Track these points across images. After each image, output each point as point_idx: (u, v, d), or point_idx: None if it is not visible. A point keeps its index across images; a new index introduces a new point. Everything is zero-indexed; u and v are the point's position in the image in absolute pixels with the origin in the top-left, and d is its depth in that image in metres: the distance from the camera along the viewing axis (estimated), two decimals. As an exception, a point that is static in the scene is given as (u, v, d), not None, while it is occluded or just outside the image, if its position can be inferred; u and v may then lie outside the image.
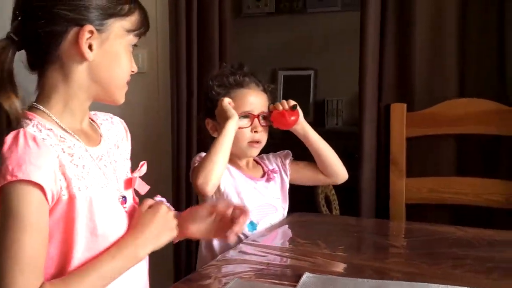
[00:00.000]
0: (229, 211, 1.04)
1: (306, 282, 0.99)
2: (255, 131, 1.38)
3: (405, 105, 1.83)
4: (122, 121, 1.08)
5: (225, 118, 1.31)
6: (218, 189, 1.34)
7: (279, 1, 3.69)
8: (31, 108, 0.88)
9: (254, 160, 1.50)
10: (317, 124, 3.51)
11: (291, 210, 1.61)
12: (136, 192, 1.02)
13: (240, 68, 1.42)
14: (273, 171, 1.49)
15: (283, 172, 1.54)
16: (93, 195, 0.86)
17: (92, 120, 1.00)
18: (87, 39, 0.86)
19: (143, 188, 1.02)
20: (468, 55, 1.80)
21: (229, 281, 1.00)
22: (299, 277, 1.01)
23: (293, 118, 1.46)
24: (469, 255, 1.19)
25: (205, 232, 1.07)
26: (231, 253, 1.20)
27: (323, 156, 1.58)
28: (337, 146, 3.24)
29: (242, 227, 1.02)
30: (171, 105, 2.10)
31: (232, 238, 1.01)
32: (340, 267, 1.12)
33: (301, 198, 3.34)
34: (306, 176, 1.58)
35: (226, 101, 1.34)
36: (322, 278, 1.01)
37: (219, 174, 1.29)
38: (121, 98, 0.96)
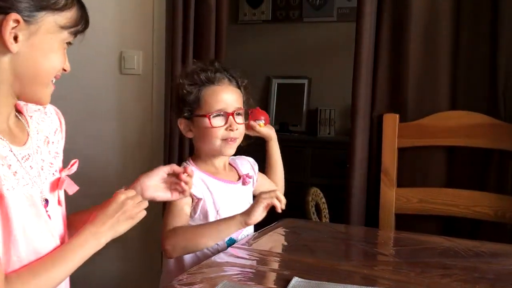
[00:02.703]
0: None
1: (295, 286, 1.00)
2: (230, 129, 1.31)
3: (397, 116, 1.85)
4: (57, 110, 1.02)
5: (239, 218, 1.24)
6: (194, 199, 1.30)
7: (276, 9, 3.72)
8: None
9: (229, 163, 1.45)
10: (310, 133, 3.54)
11: (282, 216, 1.61)
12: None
13: (212, 64, 1.36)
14: (247, 176, 1.44)
15: (254, 180, 1.49)
16: (12, 197, 0.81)
17: (21, 113, 0.93)
18: (12, 28, 0.80)
19: (72, 188, 0.99)
20: (460, 68, 1.83)
21: (217, 284, 1.00)
22: (287, 281, 1.02)
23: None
24: (457, 265, 1.20)
25: (162, 191, 1.11)
26: (221, 256, 1.20)
27: (280, 170, 1.66)
28: (328, 155, 3.30)
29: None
30: (165, 107, 2.10)
31: (187, 193, 1.13)
32: (329, 273, 1.12)
33: (291, 205, 3.35)
34: (263, 188, 1.49)
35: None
36: (311, 283, 1.01)
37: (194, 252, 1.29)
38: (45, 98, 0.90)
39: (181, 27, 2.00)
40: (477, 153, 1.80)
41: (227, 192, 1.36)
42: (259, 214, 1.23)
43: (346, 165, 3.07)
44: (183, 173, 1.11)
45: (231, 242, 1.32)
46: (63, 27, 0.86)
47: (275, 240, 1.43)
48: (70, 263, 0.88)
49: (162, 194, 1.11)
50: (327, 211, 2.10)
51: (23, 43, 0.82)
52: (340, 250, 1.43)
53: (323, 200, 2.11)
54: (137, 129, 2.14)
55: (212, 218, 1.31)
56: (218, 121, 1.30)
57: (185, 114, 1.33)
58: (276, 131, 3.67)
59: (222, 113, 1.31)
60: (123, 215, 0.95)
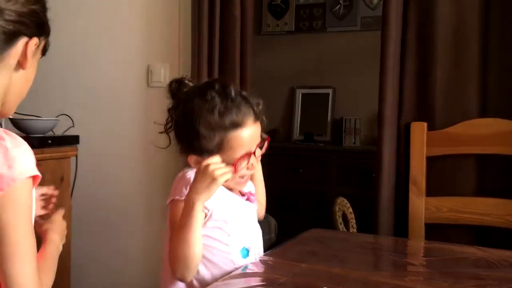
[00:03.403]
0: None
1: (325, 297, 0.99)
2: (250, 168, 1.19)
3: (425, 124, 1.83)
4: None
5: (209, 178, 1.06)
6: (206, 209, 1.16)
7: (299, 20, 3.73)
8: None
9: None
10: (335, 143, 3.53)
11: (308, 226, 1.60)
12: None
13: (231, 97, 1.15)
14: (250, 193, 1.31)
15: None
16: None
17: None
18: (32, 50, 0.89)
19: None
20: (489, 75, 1.80)
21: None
22: (317, 292, 1.01)
23: None
24: (491, 275, 1.17)
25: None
26: (249, 266, 1.19)
27: (262, 187, 1.45)
28: (354, 164, 3.27)
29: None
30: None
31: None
32: (360, 283, 1.11)
33: (317, 215, 3.34)
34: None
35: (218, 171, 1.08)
36: (341, 294, 1.01)
37: (198, 262, 1.13)
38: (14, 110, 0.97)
39: (206, 39, 2.02)
40: (508, 161, 1.77)
41: (235, 204, 1.25)
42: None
43: (372, 175, 3.05)
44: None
45: (246, 253, 1.25)
46: (44, 48, 0.97)
47: (302, 250, 1.42)
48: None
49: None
50: (354, 221, 2.08)
51: (30, 62, 0.90)
52: (370, 260, 1.42)
53: (350, 210, 2.09)
54: (164, 141, 2.17)
55: (222, 230, 1.19)
56: (242, 165, 1.16)
57: (196, 152, 1.16)
58: (301, 141, 3.72)
59: (246, 155, 1.16)
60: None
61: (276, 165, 3.53)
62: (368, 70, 3.31)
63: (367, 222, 1.91)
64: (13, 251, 0.82)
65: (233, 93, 1.15)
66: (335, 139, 3.55)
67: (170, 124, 1.23)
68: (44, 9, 0.94)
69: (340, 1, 3.58)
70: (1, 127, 2.06)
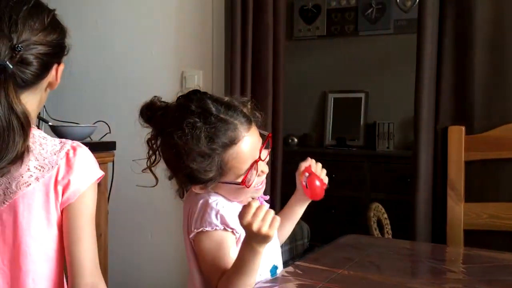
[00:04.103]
0: None
1: (363, 303, 0.98)
2: (262, 174, 1.08)
3: (463, 128, 1.79)
4: None
5: (259, 237, 0.95)
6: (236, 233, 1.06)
7: (331, 24, 3.72)
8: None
9: None
10: (368, 147, 3.49)
11: (343, 232, 1.59)
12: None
13: (212, 112, 1.01)
14: (264, 198, 1.19)
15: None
16: None
17: None
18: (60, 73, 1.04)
19: None
20: (530, 77, 1.75)
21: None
22: (355, 298, 1.00)
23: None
24: (534, 284, 1.14)
25: None
26: (284, 273, 1.19)
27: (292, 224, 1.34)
28: (388, 169, 3.23)
29: None
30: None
31: None
32: (397, 290, 1.09)
33: (350, 220, 3.31)
34: None
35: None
36: (380, 301, 0.99)
37: None
38: None
39: (239, 45, 2.04)
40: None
41: None
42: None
43: (406, 180, 3.00)
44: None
45: (274, 271, 1.18)
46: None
47: (338, 256, 1.41)
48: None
49: None
50: (389, 226, 2.05)
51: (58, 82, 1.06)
52: (407, 267, 1.39)
53: (385, 215, 2.06)
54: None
55: None
56: (252, 176, 1.04)
57: (197, 183, 1.05)
58: (333, 146, 3.69)
59: (252, 165, 1.04)
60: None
61: (308, 170, 3.50)
62: (402, 73, 3.27)
63: (402, 228, 1.88)
64: (81, 237, 0.97)
65: (213, 109, 1.01)
66: (368, 143, 3.51)
67: (153, 158, 1.10)
68: (65, 36, 1.04)
69: (373, 5, 3.55)
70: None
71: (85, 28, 2.43)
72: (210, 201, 1.05)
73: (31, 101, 0.98)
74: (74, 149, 0.98)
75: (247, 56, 2.04)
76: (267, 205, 1.09)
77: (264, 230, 0.93)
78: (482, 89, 1.79)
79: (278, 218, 0.96)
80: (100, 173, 1.02)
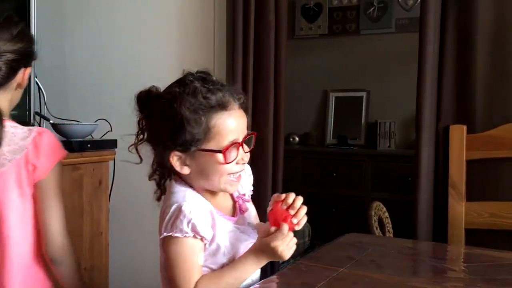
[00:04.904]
0: None
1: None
2: (242, 163, 1.08)
3: (464, 127, 1.79)
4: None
5: (276, 257, 1.04)
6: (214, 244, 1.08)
7: (332, 23, 3.72)
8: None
9: None
10: (369, 146, 3.49)
11: (344, 231, 1.59)
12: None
13: (213, 80, 1.06)
14: (243, 198, 1.17)
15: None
16: None
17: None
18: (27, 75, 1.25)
19: None
20: (532, 76, 1.75)
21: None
22: (357, 297, 1.00)
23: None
24: (535, 283, 1.14)
25: None
26: (285, 272, 1.19)
27: None
28: (389, 168, 3.23)
29: None
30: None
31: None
32: (398, 289, 1.09)
33: (351, 219, 3.31)
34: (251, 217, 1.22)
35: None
36: (381, 299, 0.99)
37: None
38: None
39: (241, 45, 2.04)
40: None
41: (228, 227, 1.12)
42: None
43: (408, 179, 2.99)
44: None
45: None
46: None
47: (339, 255, 1.41)
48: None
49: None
50: (390, 225, 2.05)
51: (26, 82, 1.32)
52: (409, 266, 1.39)
53: (386, 214, 2.06)
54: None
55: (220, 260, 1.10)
56: (232, 155, 1.05)
57: (180, 147, 1.04)
58: (334, 145, 3.70)
59: (234, 144, 1.05)
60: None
61: (310, 169, 3.52)
62: (403, 72, 3.27)
63: (403, 227, 1.88)
64: (50, 206, 1.21)
65: (214, 78, 1.07)
66: (369, 142, 3.51)
67: (141, 137, 1.11)
68: (32, 44, 1.25)
69: (374, 3, 3.54)
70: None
71: (86, 27, 2.44)
72: (183, 208, 1.02)
73: (3, 99, 1.21)
74: (40, 134, 1.19)
75: (249, 55, 2.04)
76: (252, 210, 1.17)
77: (287, 254, 1.05)
78: (484, 88, 1.79)
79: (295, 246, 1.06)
80: (64, 152, 1.24)
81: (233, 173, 1.07)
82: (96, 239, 1.91)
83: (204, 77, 1.06)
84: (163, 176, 1.15)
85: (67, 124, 1.97)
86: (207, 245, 1.06)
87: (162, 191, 1.16)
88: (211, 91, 1.02)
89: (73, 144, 1.84)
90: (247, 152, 1.08)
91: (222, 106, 1.03)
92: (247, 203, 1.18)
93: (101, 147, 1.97)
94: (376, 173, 3.30)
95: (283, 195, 1.06)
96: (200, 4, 2.21)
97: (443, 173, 1.82)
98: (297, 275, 1.17)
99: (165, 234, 1.04)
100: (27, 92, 1.87)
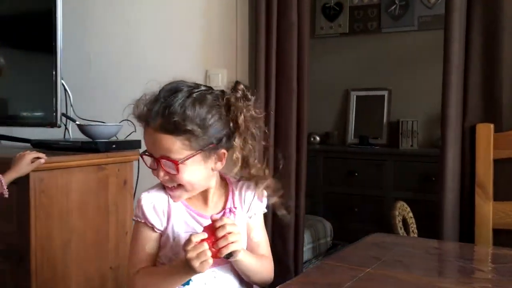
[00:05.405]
0: None
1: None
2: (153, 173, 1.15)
3: (492, 125, 1.76)
4: None
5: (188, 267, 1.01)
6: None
7: (353, 21, 3.70)
8: None
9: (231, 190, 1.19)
10: (391, 146, 3.46)
11: (364, 230, 1.58)
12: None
13: (160, 94, 1.12)
14: (231, 210, 1.16)
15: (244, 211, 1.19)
16: None
17: None
18: None
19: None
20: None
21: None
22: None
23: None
24: None
25: None
26: (312, 270, 1.19)
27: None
28: (412, 168, 3.20)
29: None
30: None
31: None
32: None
33: (373, 219, 3.28)
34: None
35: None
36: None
37: None
38: None
39: (263, 44, 2.04)
40: None
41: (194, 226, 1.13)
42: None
43: (431, 179, 2.96)
44: None
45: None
46: None
47: (365, 255, 1.40)
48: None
49: None
50: (415, 226, 2.03)
51: None
52: (436, 266, 1.38)
53: (410, 214, 2.04)
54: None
55: (168, 253, 1.15)
56: (147, 162, 1.11)
57: None
58: (356, 145, 3.68)
59: (144, 152, 1.10)
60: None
61: (331, 168, 3.50)
62: (425, 70, 3.24)
63: (426, 228, 1.86)
64: None
65: (161, 94, 1.09)
66: (391, 142, 3.48)
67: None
68: None
69: (396, 1, 3.51)
70: (69, 132, 2.15)
71: (111, 29, 2.47)
72: (141, 196, 1.13)
73: None
74: None
75: (271, 54, 2.04)
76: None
77: (195, 264, 1.00)
78: (511, 86, 1.75)
79: (209, 261, 1.00)
80: None
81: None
82: (121, 239, 1.94)
83: (158, 94, 1.09)
84: None
85: (93, 125, 2.00)
86: (169, 237, 1.11)
87: None
88: (148, 102, 1.10)
89: (98, 144, 1.86)
90: (169, 172, 1.07)
91: (142, 120, 1.11)
92: (248, 224, 1.18)
93: (125, 148, 2.00)
94: (398, 173, 3.27)
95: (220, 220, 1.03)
96: (223, 4, 2.22)
97: (470, 172, 1.80)
98: (323, 275, 1.17)
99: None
100: (53, 94, 1.91)
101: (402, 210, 2.01)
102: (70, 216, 1.75)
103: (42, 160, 1.55)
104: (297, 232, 2.07)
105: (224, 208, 1.17)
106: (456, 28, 1.74)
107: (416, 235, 1.99)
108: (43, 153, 1.59)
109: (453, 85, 1.74)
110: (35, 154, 1.55)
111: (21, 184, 1.57)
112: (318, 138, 3.70)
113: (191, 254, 1.00)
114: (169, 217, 1.13)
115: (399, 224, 1.94)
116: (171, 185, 1.10)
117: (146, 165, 1.11)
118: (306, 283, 1.12)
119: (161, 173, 1.08)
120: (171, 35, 2.33)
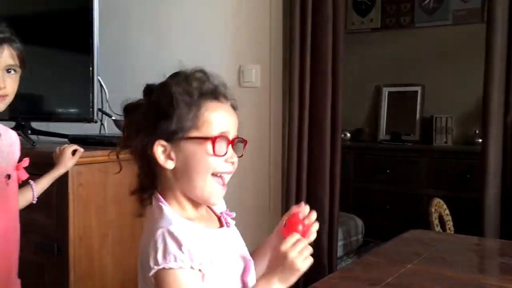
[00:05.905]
0: None
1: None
2: (230, 161, 0.93)
3: (535, 120, 1.71)
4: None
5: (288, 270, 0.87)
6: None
7: (385, 16, 3.64)
8: None
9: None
10: (424, 142, 3.40)
11: (396, 228, 1.55)
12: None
13: (208, 75, 0.95)
14: (227, 214, 1.00)
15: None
16: None
17: None
18: None
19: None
20: None
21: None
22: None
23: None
24: None
25: None
26: (350, 266, 1.18)
27: None
28: (446, 165, 3.14)
29: None
30: (282, 118, 2.13)
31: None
32: (470, 286, 1.06)
33: (405, 217, 3.23)
34: None
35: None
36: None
37: None
38: None
39: (298, 39, 2.02)
40: None
41: (220, 242, 0.93)
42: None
43: (466, 176, 2.90)
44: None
45: None
46: None
47: (405, 251, 1.38)
48: None
49: None
50: (451, 223, 1.99)
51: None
52: (477, 263, 1.35)
53: (447, 211, 2.00)
54: (255, 141, 2.20)
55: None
56: (221, 148, 0.91)
57: (165, 135, 0.90)
58: (388, 141, 3.62)
59: (224, 137, 0.92)
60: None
61: (362, 165, 3.46)
62: (460, 65, 3.17)
63: (461, 225, 1.82)
64: None
65: (205, 71, 0.96)
66: (425, 138, 3.42)
67: (127, 140, 0.98)
68: None
69: (430, -5, 3.45)
70: (104, 127, 2.19)
71: (144, 27, 2.49)
72: (171, 229, 0.84)
73: None
74: None
75: (306, 49, 2.02)
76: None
77: (299, 263, 0.86)
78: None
79: (311, 258, 0.88)
80: None
81: (218, 174, 0.92)
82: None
83: (200, 70, 0.95)
84: (146, 189, 0.97)
85: (128, 120, 2.02)
86: (205, 276, 0.85)
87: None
88: (204, 80, 0.93)
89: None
90: (234, 156, 0.94)
91: (215, 96, 0.93)
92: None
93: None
94: (431, 170, 3.21)
95: (301, 206, 0.95)
96: (256, -2, 2.21)
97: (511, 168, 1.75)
98: (364, 270, 1.16)
99: (156, 268, 0.83)
100: (90, 90, 1.93)
101: (439, 207, 1.98)
102: (107, 210, 1.77)
103: (81, 149, 1.58)
104: (331, 228, 2.05)
105: (218, 217, 1.00)
106: (499, 23, 1.69)
107: (452, 232, 1.95)
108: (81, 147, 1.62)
109: (496, 80, 1.70)
110: (73, 146, 1.58)
111: (59, 177, 1.60)
112: (349, 135, 3.66)
113: (293, 253, 0.87)
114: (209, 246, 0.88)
115: (436, 222, 1.91)
116: (229, 172, 0.94)
117: (216, 153, 0.90)
118: (347, 278, 1.11)
119: (235, 158, 0.94)
120: (204, 30, 2.34)
